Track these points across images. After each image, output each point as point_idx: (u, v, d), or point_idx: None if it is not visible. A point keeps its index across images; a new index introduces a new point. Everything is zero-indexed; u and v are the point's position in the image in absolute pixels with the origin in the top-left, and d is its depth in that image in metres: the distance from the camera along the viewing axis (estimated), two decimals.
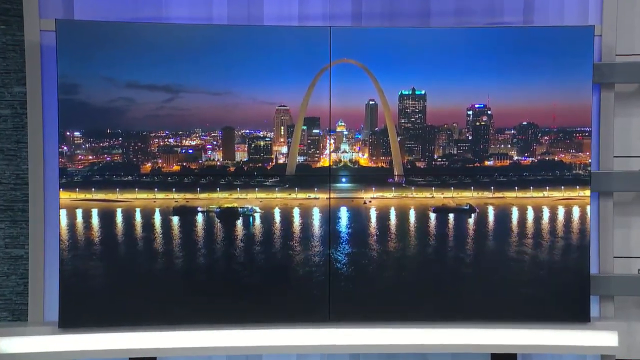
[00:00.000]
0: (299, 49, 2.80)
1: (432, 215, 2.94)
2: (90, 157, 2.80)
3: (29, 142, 2.82)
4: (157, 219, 2.85)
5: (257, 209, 2.92)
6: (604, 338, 2.87)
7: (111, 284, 2.81)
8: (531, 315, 2.89)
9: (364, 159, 2.97)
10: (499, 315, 2.89)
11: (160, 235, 2.85)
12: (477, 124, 2.93)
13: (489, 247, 2.92)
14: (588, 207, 2.87)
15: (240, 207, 2.91)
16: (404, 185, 2.94)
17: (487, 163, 2.94)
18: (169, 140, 2.86)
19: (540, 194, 2.91)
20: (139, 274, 2.82)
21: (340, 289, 2.87)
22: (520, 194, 2.92)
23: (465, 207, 2.93)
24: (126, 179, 2.83)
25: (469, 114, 2.92)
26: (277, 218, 2.92)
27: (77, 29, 2.71)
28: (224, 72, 2.79)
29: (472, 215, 2.93)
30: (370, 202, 2.93)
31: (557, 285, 2.88)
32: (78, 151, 2.78)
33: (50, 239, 2.83)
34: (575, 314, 2.87)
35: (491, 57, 2.83)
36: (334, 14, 2.97)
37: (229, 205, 2.89)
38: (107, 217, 2.82)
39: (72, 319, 2.77)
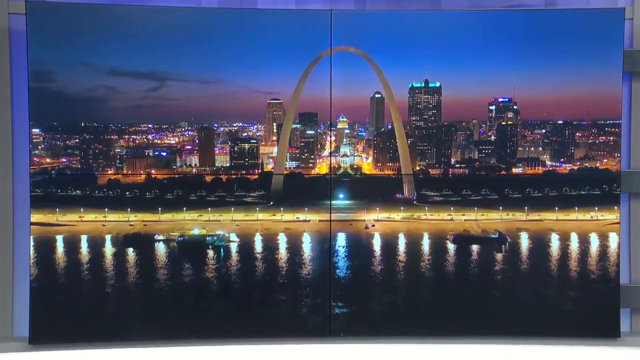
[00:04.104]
0: (296, 35, 2.55)
1: (451, 247, 2.53)
2: (47, 160, 2.54)
3: None
4: (108, 250, 2.52)
5: (232, 237, 2.49)
6: (636, 355, 2.67)
7: (83, 300, 2.60)
8: (555, 330, 2.66)
9: (367, 163, 2.66)
10: (518, 331, 2.65)
11: (112, 272, 2.55)
12: (503, 122, 2.61)
13: (521, 282, 2.59)
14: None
15: (209, 236, 2.49)
16: (415, 202, 2.57)
17: (514, 170, 2.60)
18: (148, 136, 2.59)
19: (588, 216, 2.49)
20: (111, 291, 2.59)
21: None
22: (561, 216, 2.49)
23: (494, 236, 2.46)
24: (74, 193, 2.53)
25: (491, 110, 2.63)
26: (258, 248, 2.53)
27: (50, 12, 2.52)
28: (213, 59, 2.55)
29: (503, 247, 2.48)
30: (373, 225, 2.54)
31: (584, 297, 2.66)
32: (35, 151, 2.56)
33: (20, 248, 2.62)
34: (604, 328, 2.67)
35: (509, 44, 2.57)
36: None
37: (199, 234, 2.47)
38: (47, 246, 2.55)
39: (43, 334, 2.58)
